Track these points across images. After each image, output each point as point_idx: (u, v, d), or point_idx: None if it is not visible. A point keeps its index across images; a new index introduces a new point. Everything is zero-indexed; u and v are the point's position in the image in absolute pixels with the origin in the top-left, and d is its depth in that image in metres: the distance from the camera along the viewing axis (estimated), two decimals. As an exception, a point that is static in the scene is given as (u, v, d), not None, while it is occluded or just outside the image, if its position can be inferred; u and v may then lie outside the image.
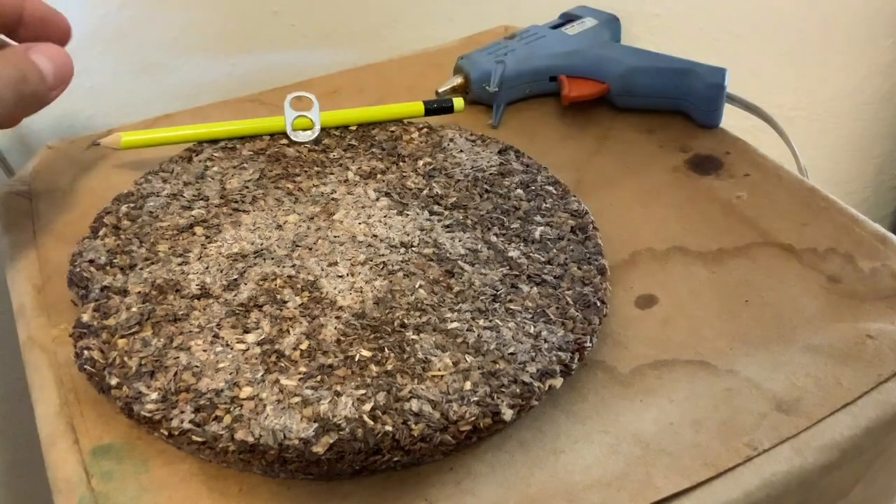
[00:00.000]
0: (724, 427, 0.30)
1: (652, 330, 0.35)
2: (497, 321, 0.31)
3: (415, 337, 0.30)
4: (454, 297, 0.31)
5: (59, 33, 0.36)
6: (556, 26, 0.51)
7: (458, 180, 0.38)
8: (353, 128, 0.41)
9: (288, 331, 0.30)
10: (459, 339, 0.30)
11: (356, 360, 0.29)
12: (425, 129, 0.41)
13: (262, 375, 0.28)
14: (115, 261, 0.33)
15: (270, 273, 0.32)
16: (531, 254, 0.34)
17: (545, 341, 0.30)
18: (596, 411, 0.31)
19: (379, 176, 0.37)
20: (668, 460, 0.29)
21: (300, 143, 0.39)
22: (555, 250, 0.34)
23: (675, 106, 0.47)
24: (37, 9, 0.35)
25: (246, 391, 0.28)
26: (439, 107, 0.42)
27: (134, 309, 0.31)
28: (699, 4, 0.73)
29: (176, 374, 0.28)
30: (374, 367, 0.28)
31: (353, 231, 0.34)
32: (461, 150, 0.40)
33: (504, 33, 0.52)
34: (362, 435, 0.26)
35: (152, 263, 0.32)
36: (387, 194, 0.36)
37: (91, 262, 0.33)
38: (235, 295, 0.31)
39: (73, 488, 0.28)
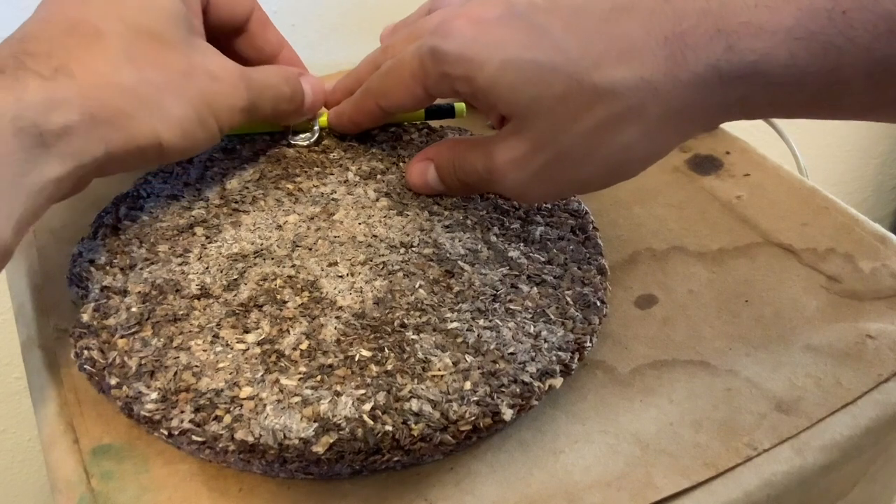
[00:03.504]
0: (724, 427, 0.30)
1: (652, 330, 0.35)
2: (497, 321, 0.31)
3: (415, 337, 0.30)
4: (454, 297, 0.31)
5: None
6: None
7: (458, 180, 0.38)
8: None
9: (288, 331, 0.30)
10: (459, 339, 0.30)
11: (356, 360, 0.29)
12: (425, 130, 0.41)
13: (262, 375, 0.28)
14: (115, 261, 0.33)
15: (270, 273, 0.32)
16: (531, 254, 0.34)
17: (545, 341, 0.30)
18: (596, 411, 0.31)
19: (379, 176, 0.38)
20: (668, 460, 0.29)
21: (300, 146, 0.39)
22: (555, 250, 0.34)
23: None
24: (291, 57, 0.40)
25: (246, 391, 0.28)
26: (440, 111, 0.42)
27: (134, 309, 0.31)
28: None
29: (176, 373, 0.28)
30: (374, 367, 0.28)
31: (353, 231, 0.34)
32: (461, 150, 0.40)
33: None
34: (362, 435, 0.26)
35: (152, 263, 0.33)
36: (387, 194, 0.36)
37: (91, 262, 0.33)
38: (235, 295, 0.31)
39: (73, 488, 0.28)
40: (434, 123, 0.42)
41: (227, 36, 0.38)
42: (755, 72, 0.27)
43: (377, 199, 0.36)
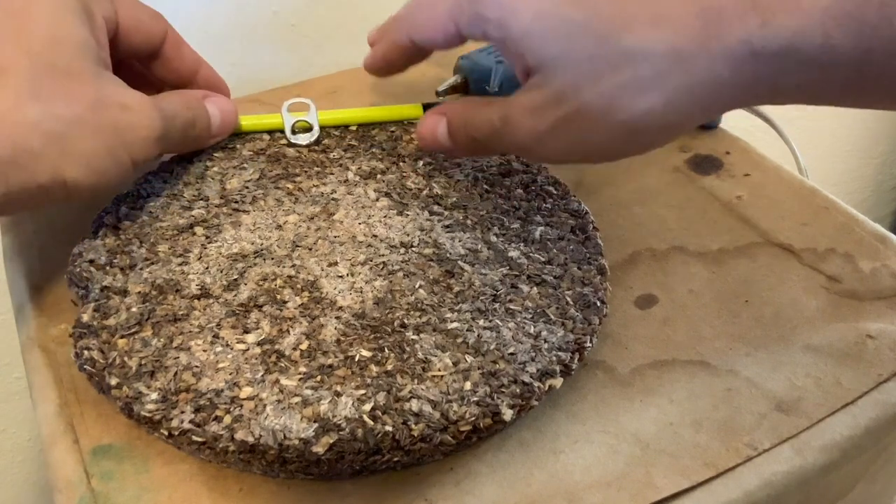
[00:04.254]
0: (724, 427, 0.30)
1: (652, 330, 0.35)
2: (497, 321, 0.31)
3: (415, 337, 0.30)
4: (454, 297, 0.31)
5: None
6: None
7: (458, 180, 0.38)
8: (354, 128, 0.41)
9: (288, 331, 0.30)
10: (459, 339, 0.30)
11: (356, 360, 0.29)
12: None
13: (262, 375, 0.28)
14: (115, 261, 0.33)
15: (270, 273, 0.32)
16: (531, 254, 0.34)
17: (545, 341, 0.30)
18: (596, 411, 0.31)
19: (379, 176, 0.38)
20: (668, 460, 0.29)
21: (300, 146, 0.39)
22: (555, 250, 0.34)
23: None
24: (209, 75, 0.40)
25: (246, 391, 0.28)
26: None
27: (134, 309, 0.31)
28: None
29: (176, 374, 0.28)
30: (374, 367, 0.28)
31: (353, 231, 0.34)
32: (461, 150, 0.40)
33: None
34: (362, 435, 0.26)
35: (152, 263, 0.33)
36: (387, 194, 0.36)
37: (91, 262, 0.33)
38: (235, 295, 0.31)
39: (73, 488, 0.28)
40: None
41: (141, 61, 0.38)
42: (789, 49, 0.26)
43: (377, 199, 0.36)
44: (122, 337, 0.30)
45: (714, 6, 0.27)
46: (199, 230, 0.34)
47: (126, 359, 0.29)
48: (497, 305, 0.31)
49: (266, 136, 0.40)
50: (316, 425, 0.27)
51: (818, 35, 0.26)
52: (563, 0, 0.29)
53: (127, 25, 0.35)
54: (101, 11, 0.34)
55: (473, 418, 0.28)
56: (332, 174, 0.38)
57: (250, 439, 0.26)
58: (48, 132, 0.29)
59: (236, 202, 0.36)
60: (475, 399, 0.28)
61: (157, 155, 0.34)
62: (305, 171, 0.38)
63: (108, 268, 0.32)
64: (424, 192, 0.37)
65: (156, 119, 0.33)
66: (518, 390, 0.28)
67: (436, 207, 0.36)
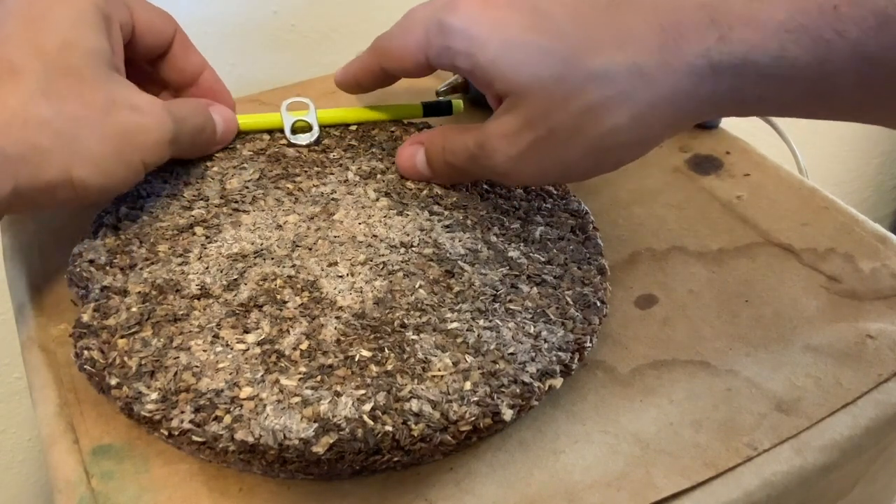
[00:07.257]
0: (724, 427, 0.30)
1: (652, 330, 0.35)
2: (497, 321, 0.31)
3: (415, 337, 0.30)
4: (454, 297, 0.31)
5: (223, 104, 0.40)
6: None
7: (458, 180, 0.38)
8: (354, 128, 0.41)
9: (288, 331, 0.30)
10: (459, 340, 0.30)
11: (356, 360, 0.29)
12: (424, 130, 0.41)
13: (262, 375, 0.28)
14: (115, 261, 0.33)
15: (270, 273, 0.32)
16: (531, 254, 0.34)
17: (545, 341, 0.30)
18: (596, 411, 0.31)
19: (379, 176, 0.38)
20: (668, 460, 0.29)
21: (300, 146, 0.39)
22: (555, 250, 0.34)
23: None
24: (212, 78, 0.40)
25: (246, 391, 0.28)
26: (438, 108, 0.42)
27: (134, 309, 0.31)
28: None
29: (176, 374, 0.28)
30: (374, 367, 0.28)
31: (353, 231, 0.34)
32: (461, 150, 0.40)
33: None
34: (362, 435, 0.27)
35: (152, 263, 0.33)
36: (387, 194, 0.36)
37: (91, 262, 0.33)
38: (235, 295, 0.31)
39: (73, 488, 0.28)
40: (434, 122, 0.42)
41: (150, 62, 0.38)
42: (745, 62, 0.27)
43: (377, 199, 0.36)
44: (122, 337, 0.30)
45: (673, 23, 0.28)
46: (199, 230, 0.34)
47: (126, 359, 0.29)
48: (497, 305, 0.31)
49: (266, 136, 0.40)
50: (316, 425, 0.27)
51: (774, 49, 0.27)
52: (528, 27, 0.30)
53: (141, 29, 0.36)
54: (119, 18, 0.34)
55: (473, 418, 0.28)
56: (332, 174, 0.38)
57: (250, 439, 0.26)
58: (58, 130, 0.30)
59: (236, 202, 0.36)
60: (475, 399, 0.28)
61: (167, 158, 0.34)
62: (305, 171, 0.38)
63: (108, 268, 0.32)
64: (424, 192, 0.37)
65: (167, 122, 0.33)
66: (518, 390, 0.28)
67: (436, 207, 0.36)
